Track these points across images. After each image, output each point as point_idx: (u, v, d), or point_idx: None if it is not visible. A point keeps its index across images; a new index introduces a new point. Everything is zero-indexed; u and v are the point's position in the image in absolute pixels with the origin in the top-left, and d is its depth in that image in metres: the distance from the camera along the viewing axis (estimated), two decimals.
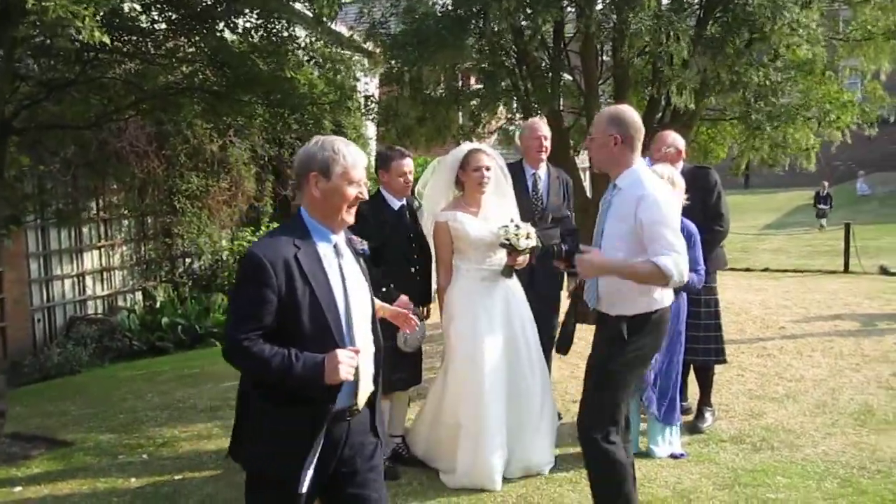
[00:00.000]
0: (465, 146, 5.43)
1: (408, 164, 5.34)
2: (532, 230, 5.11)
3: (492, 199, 5.31)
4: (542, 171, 6.01)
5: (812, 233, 21.29)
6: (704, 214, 5.72)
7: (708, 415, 6.04)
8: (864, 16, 8.56)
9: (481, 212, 5.27)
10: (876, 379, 7.04)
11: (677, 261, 3.78)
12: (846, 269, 13.87)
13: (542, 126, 5.92)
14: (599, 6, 7.89)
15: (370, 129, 13.52)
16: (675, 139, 5.86)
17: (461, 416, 5.08)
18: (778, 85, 7.88)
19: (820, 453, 5.42)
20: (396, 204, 5.35)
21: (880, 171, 31.09)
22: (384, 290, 4.54)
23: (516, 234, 5.03)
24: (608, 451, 3.99)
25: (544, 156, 5.92)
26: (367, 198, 3.06)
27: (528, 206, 5.76)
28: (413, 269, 5.33)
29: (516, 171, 5.74)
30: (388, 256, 5.13)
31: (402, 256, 5.27)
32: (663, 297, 4.05)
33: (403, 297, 3.99)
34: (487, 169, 5.21)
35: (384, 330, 5.03)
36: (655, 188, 3.94)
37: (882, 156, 29.70)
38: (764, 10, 7.10)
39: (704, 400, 6.09)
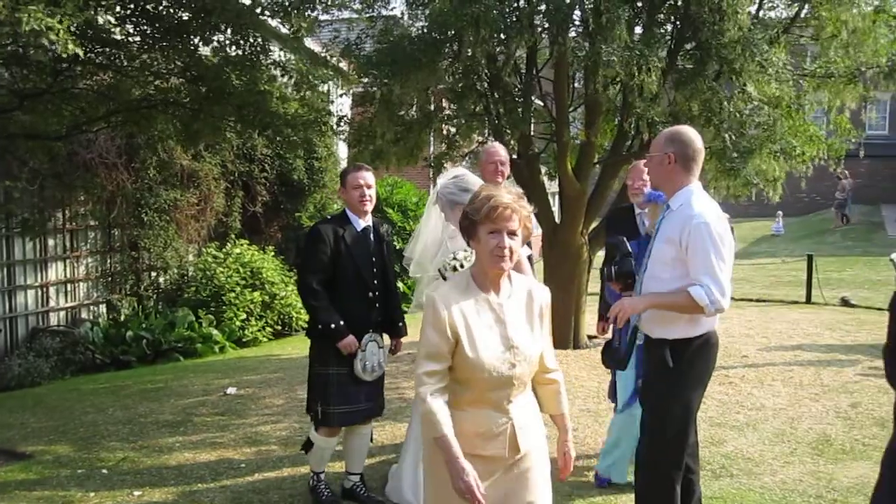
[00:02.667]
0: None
1: (364, 176, 5.07)
2: (470, 262, 4.69)
3: None
4: None
5: (775, 263, 21.55)
6: None
7: None
8: (827, 55, 8.73)
9: None
10: (834, 409, 7.15)
11: (711, 289, 3.74)
12: (808, 300, 14.05)
13: (499, 151, 5.81)
14: (572, 34, 8.01)
15: (342, 149, 13.55)
16: None
17: None
18: (746, 118, 8.02)
19: (778, 482, 5.49)
20: (360, 224, 5.10)
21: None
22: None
23: (447, 264, 4.80)
24: (657, 486, 3.95)
25: (500, 179, 5.87)
26: None
27: None
28: (371, 295, 5.09)
29: None
30: (345, 279, 4.99)
31: (360, 280, 5.04)
32: (708, 321, 3.96)
33: None
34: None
35: (339, 356, 5.01)
36: (705, 210, 3.84)
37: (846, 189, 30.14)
38: (735, 46, 7.24)
39: None
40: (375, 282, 5.12)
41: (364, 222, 5.13)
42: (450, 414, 3.03)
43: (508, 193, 3.08)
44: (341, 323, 4.91)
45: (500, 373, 3.04)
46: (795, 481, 5.49)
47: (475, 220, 3.06)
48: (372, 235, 5.16)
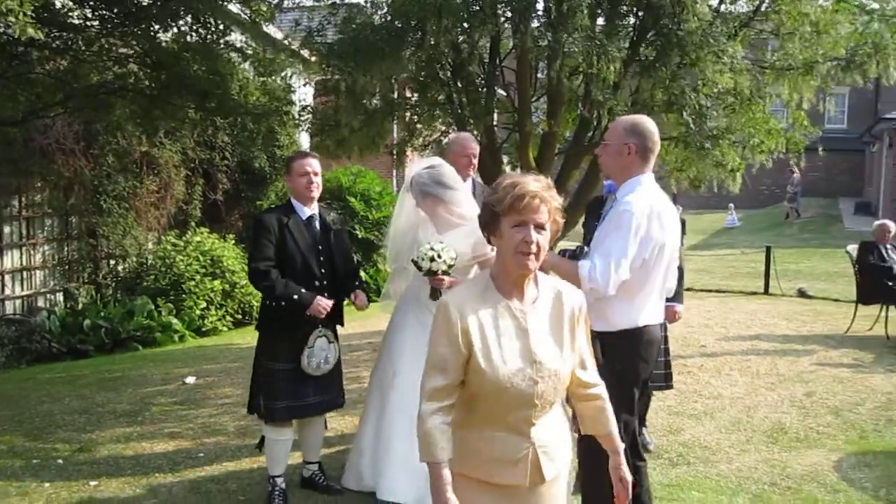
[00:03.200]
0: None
1: (311, 163, 4.97)
2: (448, 254, 4.71)
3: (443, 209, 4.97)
4: (468, 184, 5.98)
5: (735, 254, 21.80)
6: None
7: (647, 435, 5.97)
8: (787, 48, 8.81)
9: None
10: (790, 398, 7.25)
11: (595, 267, 3.69)
12: (766, 291, 14.23)
13: (471, 143, 5.81)
14: (535, 24, 8.00)
15: (304, 137, 13.47)
16: None
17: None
18: (707, 109, 8.06)
19: (734, 469, 5.56)
20: (305, 213, 5.00)
21: (803, 197, 32.09)
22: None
23: (423, 255, 4.70)
24: (598, 478, 3.95)
25: (471, 172, 5.83)
26: None
27: None
28: (318, 284, 4.97)
29: None
30: (291, 269, 4.89)
31: (307, 270, 4.93)
32: (639, 316, 3.89)
33: None
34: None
35: (288, 351, 4.95)
36: (637, 201, 3.78)
37: (803, 182, 30.56)
38: (693, 36, 7.28)
39: (642, 422, 5.91)
40: (322, 271, 5.01)
41: (309, 210, 5.03)
42: (456, 436, 2.68)
43: (536, 181, 2.67)
44: (303, 291, 4.82)
45: (521, 390, 2.65)
46: (751, 469, 5.57)
47: (497, 211, 2.65)
48: (318, 224, 5.06)
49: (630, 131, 3.92)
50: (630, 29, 8.49)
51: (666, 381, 6.10)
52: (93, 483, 5.43)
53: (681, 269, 5.80)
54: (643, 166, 3.92)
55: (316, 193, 5.03)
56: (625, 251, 3.72)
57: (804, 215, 30.14)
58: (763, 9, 8.75)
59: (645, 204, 3.80)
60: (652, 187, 3.93)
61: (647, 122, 3.98)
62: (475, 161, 5.79)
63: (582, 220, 6.57)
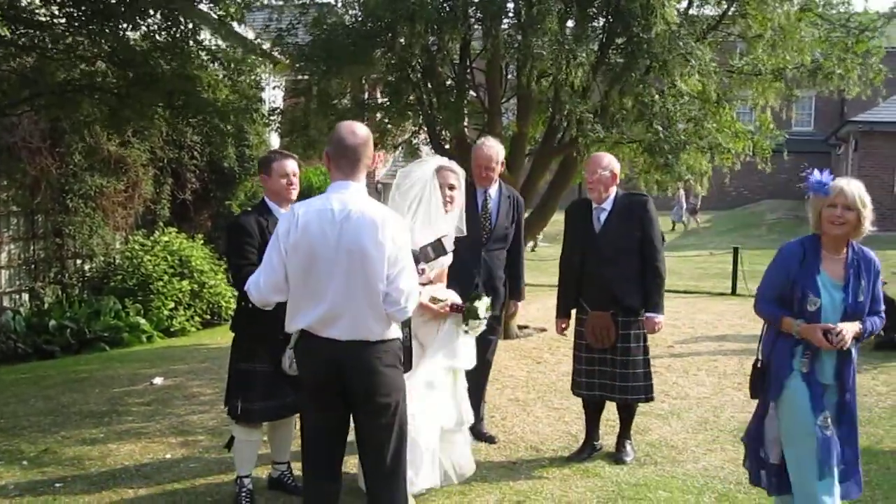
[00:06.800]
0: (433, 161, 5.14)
1: (290, 164, 4.97)
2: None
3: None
4: (494, 190, 5.93)
5: (703, 255, 21.98)
6: (643, 249, 5.68)
7: (629, 448, 5.84)
8: (755, 52, 8.90)
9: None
10: None
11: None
12: (734, 292, 14.37)
13: (486, 150, 5.79)
14: (505, 27, 8.03)
15: (273, 137, 13.42)
16: (610, 161, 5.60)
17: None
18: (674, 113, 8.12)
19: (700, 469, 5.61)
20: (283, 215, 4.86)
21: (771, 199, 32.47)
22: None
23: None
24: None
25: (493, 175, 5.82)
26: None
27: (476, 225, 5.65)
28: None
29: (467, 189, 5.47)
30: None
31: None
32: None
33: None
34: (451, 188, 5.00)
35: (265, 351, 4.90)
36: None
37: (771, 183, 30.94)
38: (661, 40, 7.33)
39: (627, 434, 5.89)
40: None
41: (286, 212, 4.95)
42: None
43: None
44: None
45: None
46: (717, 468, 5.62)
47: None
48: None
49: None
50: (599, 32, 8.54)
51: (647, 393, 5.88)
52: (58, 484, 5.38)
53: (661, 277, 5.86)
54: (335, 172, 4.24)
55: (294, 195, 4.99)
56: None
57: (772, 216, 30.48)
58: (730, 13, 8.84)
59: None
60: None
61: (338, 128, 4.08)
62: (493, 165, 5.79)
63: (557, 220, 6.58)
